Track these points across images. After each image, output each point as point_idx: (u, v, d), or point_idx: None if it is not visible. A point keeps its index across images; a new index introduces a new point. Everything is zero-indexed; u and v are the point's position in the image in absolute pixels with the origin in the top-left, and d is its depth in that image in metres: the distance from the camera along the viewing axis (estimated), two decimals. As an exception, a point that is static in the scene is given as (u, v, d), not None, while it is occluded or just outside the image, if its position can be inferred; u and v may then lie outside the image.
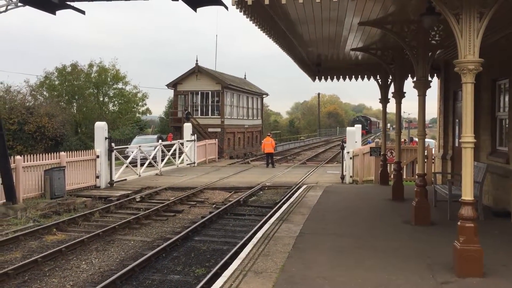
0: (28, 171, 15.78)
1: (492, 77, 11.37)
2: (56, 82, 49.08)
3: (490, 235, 8.44)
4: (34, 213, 14.05)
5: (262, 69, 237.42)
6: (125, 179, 20.40)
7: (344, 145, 19.81)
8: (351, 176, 18.65)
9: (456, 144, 14.22)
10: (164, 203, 15.61)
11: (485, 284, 6.13)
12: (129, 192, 17.61)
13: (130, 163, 21.38)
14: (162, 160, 24.27)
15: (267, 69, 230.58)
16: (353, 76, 16.86)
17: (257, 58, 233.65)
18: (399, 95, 12.77)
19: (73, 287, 8.36)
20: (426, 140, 10.91)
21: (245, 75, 51.57)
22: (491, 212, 10.61)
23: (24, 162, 15.65)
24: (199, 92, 39.78)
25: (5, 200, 14.31)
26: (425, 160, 14.59)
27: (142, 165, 22.20)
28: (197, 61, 39.29)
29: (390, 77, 14.19)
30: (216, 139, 34.29)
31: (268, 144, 27.83)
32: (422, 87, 9.73)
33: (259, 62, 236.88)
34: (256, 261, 7.25)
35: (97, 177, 18.89)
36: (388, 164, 16.51)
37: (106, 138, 19.45)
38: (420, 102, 9.94)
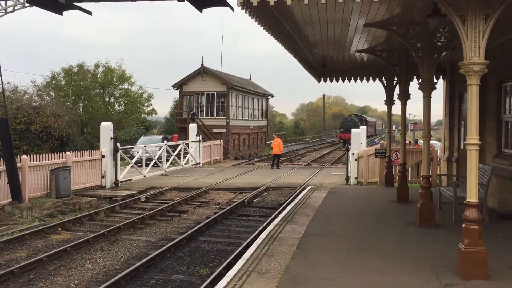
0: (34, 171, 15.87)
1: (498, 79, 11.33)
2: (63, 82, 49.44)
3: (495, 237, 8.41)
4: (40, 212, 14.12)
5: (267, 70, 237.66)
6: (130, 179, 20.47)
7: (349, 146, 19.79)
8: (356, 178, 18.61)
9: (462, 146, 14.18)
10: (169, 203, 15.64)
11: (489, 287, 6.11)
12: (134, 192, 17.67)
13: (135, 163, 21.44)
14: (167, 161, 24.33)
15: (273, 70, 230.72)
16: (358, 77, 16.86)
17: (262, 59, 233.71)
18: (405, 96, 12.75)
19: (77, 286, 8.41)
20: (431, 142, 10.88)
21: (250, 76, 51.58)
22: (496, 215, 10.57)
23: (30, 161, 15.75)
24: (205, 93, 39.82)
25: (11, 199, 14.43)
26: (430, 162, 14.55)
27: (147, 165, 22.27)
28: (202, 62, 39.37)
29: (396, 79, 14.18)
30: (221, 140, 34.34)
31: (276, 145, 27.87)
32: (427, 88, 9.71)
33: (264, 63, 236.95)
34: (260, 262, 7.26)
35: (103, 177, 18.97)
36: (393, 166, 16.48)
37: (111, 138, 19.53)
38: (425, 104, 9.93)
